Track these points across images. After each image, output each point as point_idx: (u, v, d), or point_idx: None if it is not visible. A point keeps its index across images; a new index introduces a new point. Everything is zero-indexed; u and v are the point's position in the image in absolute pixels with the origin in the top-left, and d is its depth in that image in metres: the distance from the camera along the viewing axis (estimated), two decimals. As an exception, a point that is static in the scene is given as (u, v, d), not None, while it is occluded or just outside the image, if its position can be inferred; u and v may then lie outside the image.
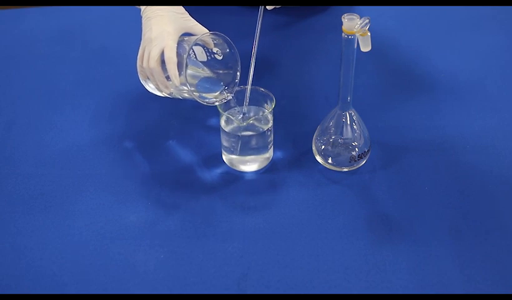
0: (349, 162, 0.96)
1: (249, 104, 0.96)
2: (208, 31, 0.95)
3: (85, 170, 0.98)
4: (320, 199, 0.93)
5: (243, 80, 0.95)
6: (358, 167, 0.97)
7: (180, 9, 0.97)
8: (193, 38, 0.94)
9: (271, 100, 0.94)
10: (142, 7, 0.98)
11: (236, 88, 0.96)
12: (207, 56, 0.98)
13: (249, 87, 0.94)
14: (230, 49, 0.95)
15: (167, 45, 0.91)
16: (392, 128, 1.05)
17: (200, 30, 0.96)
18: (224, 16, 1.33)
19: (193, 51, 0.98)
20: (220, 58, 0.97)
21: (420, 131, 1.05)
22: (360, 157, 0.96)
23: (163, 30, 0.93)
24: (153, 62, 0.92)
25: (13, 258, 0.85)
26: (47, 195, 0.94)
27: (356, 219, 0.90)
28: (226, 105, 0.96)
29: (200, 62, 0.99)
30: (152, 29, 0.94)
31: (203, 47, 0.97)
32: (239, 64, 0.95)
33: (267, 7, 1.07)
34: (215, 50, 0.96)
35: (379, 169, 0.97)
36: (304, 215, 0.91)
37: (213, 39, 0.95)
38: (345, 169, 0.97)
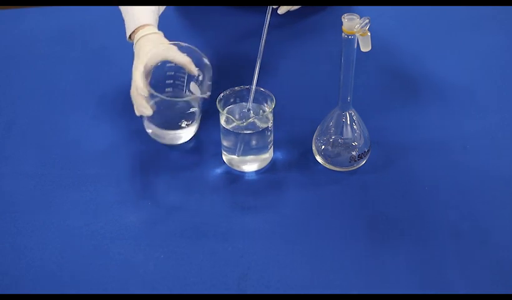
0: (349, 162, 0.96)
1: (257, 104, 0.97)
2: (188, 59, 0.95)
3: (85, 170, 0.98)
4: (320, 199, 0.93)
5: (248, 80, 0.96)
6: (358, 167, 0.97)
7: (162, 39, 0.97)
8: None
9: (272, 100, 0.94)
10: (135, 40, 0.99)
11: (238, 87, 0.96)
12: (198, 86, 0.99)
13: (254, 83, 0.94)
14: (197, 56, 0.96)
15: (133, 80, 0.93)
16: (392, 128, 1.05)
17: (179, 60, 0.95)
18: (224, 16, 1.33)
19: (190, 90, 0.99)
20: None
21: (420, 131, 1.05)
22: (360, 157, 0.96)
23: (135, 64, 0.95)
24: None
25: (13, 258, 0.85)
26: (47, 195, 0.94)
27: (356, 219, 0.90)
28: (226, 104, 0.96)
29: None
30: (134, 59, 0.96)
31: (196, 80, 0.97)
32: (206, 66, 0.96)
33: (278, 11, 1.07)
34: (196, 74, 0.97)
35: (379, 169, 0.97)
36: (304, 215, 0.91)
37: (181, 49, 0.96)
38: (345, 169, 0.97)
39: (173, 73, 0.99)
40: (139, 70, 0.93)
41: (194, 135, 1.02)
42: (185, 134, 1.01)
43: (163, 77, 0.99)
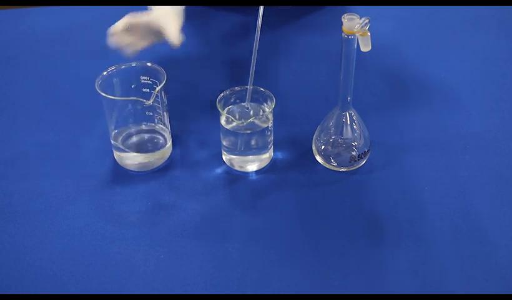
0: (349, 162, 0.96)
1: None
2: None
3: (85, 170, 0.98)
4: (320, 199, 0.93)
5: (248, 80, 0.96)
6: (358, 167, 0.97)
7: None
8: None
9: (272, 100, 0.94)
10: None
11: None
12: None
13: (250, 82, 0.94)
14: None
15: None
16: (392, 128, 1.05)
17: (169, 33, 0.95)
18: (225, 16, 1.33)
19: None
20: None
21: (420, 131, 1.05)
22: (360, 157, 0.96)
23: None
24: None
25: (13, 258, 0.85)
26: (47, 196, 0.94)
27: (356, 219, 0.90)
28: (226, 104, 0.96)
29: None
30: None
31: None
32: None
33: None
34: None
35: (379, 169, 0.97)
36: (304, 215, 0.91)
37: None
38: (345, 169, 0.97)
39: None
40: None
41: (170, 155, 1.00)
42: (152, 157, 0.98)
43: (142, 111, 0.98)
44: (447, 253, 0.85)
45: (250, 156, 0.97)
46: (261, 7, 0.93)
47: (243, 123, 0.93)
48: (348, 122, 0.95)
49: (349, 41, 0.86)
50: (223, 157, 0.99)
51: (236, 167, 0.98)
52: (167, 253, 0.86)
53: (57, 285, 0.82)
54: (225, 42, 1.26)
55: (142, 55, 1.00)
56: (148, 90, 0.96)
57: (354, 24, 0.84)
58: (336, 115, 0.95)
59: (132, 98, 0.93)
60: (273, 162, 0.99)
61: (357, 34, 0.85)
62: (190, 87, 1.15)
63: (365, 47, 0.86)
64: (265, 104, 0.96)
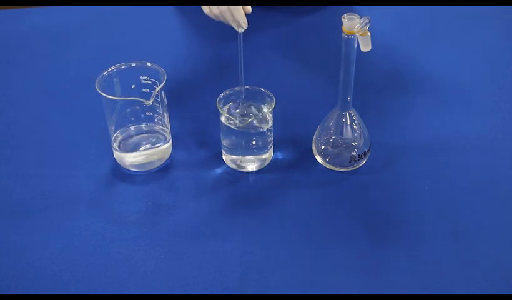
0: (349, 162, 0.96)
1: (249, 103, 0.97)
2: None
3: (85, 170, 0.98)
4: (320, 199, 0.93)
5: (248, 80, 0.96)
6: (358, 167, 0.97)
7: None
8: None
9: (271, 100, 0.94)
10: None
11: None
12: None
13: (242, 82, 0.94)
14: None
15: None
16: (392, 128, 1.05)
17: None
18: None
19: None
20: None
21: (420, 131, 1.05)
22: (360, 157, 0.96)
23: None
24: None
25: (13, 258, 0.85)
26: (47, 195, 0.94)
27: (356, 219, 0.90)
28: (226, 104, 0.96)
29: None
30: None
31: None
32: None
33: None
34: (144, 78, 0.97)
35: (379, 169, 0.97)
36: (304, 215, 0.91)
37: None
38: (345, 169, 0.97)
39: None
40: None
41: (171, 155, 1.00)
42: (148, 156, 0.98)
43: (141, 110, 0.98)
44: (447, 253, 0.85)
45: (250, 156, 0.97)
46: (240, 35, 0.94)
47: (242, 123, 0.93)
48: (348, 122, 0.95)
49: (349, 41, 0.86)
50: (223, 157, 0.99)
51: (236, 167, 0.98)
52: (167, 253, 0.86)
53: (57, 285, 0.82)
54: (225, 42, 1.26)
55: (142, 55, 1.00)
56: (148, 90, 0.96)
57: (354, 24, 0.84)
58: (336, 115, 0.95)
59: (132, 98, 0.93)
60: (273, 162, 0.99)
61: (357, 34, 0.85)
62: (190, 87, 1.15)
63: (365, 47, 0.86)
64: (265, 104, 0.96)
